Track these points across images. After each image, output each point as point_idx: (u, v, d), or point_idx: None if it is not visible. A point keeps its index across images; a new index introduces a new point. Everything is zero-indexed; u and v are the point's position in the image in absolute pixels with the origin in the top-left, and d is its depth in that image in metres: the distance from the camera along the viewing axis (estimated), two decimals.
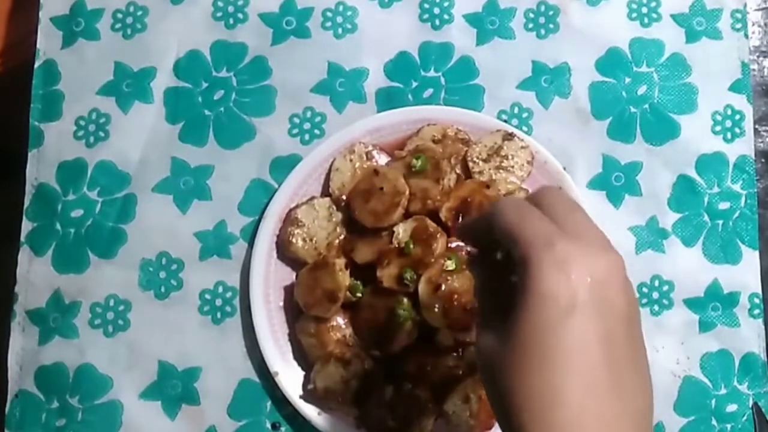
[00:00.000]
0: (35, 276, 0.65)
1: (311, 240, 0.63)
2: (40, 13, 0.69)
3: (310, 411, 0.61)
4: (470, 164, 0.63)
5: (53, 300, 0.65)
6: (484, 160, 0.63)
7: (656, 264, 0.65)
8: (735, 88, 0.67)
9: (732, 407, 0.63)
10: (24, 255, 0.66)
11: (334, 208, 0.63)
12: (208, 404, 0.64)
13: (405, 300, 0.59)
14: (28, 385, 0.64)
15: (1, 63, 0.73)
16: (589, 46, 0.68)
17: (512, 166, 0.63)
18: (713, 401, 0.63)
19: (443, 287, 0.58)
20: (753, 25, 0.69)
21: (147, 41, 0.68)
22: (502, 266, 0.41)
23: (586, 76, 0.67)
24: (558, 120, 0.66)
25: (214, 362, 0.64)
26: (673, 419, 0.62)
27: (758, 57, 0.69)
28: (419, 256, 0.59)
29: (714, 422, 0.62)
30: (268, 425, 0.64)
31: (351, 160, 0.64)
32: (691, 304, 0.64)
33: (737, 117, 0.66)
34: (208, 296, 0.65)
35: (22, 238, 0.66)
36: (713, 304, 0.64)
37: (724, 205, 0.65)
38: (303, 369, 0.63)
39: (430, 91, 0.67)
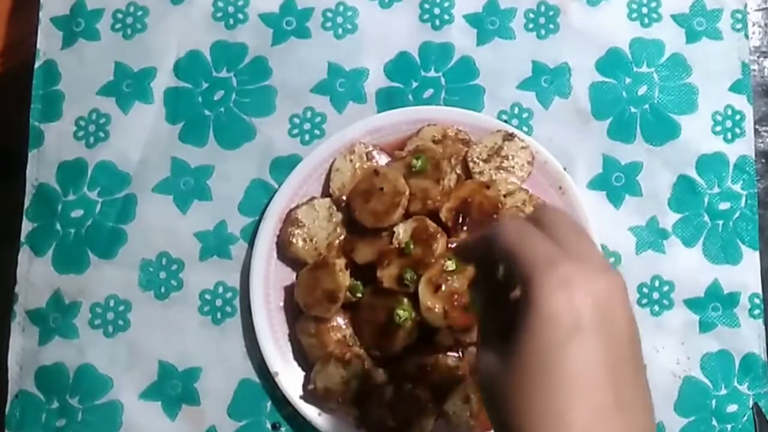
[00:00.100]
0: (35, 276, 0.65)
1: (311, 240, 0.63)
2: (40, 14, 0.69)
3: (310, 411, 0.61)
4: (470, 164, 0.63)
5: (53, 300, 0.65)
6: (485, 161, 0.63)
7: (656, 264, 0.64)
8: (735, 88, 0.67)
9: (732, 407, 0.63)
10: (24, 255, 0.66)
11: (335, 208, 0.63)
12: (208, 404, 0.64)
13: (405, 300, 0.59)
14: (28, 386, 0.64)
15: (1, 63, 0.73)
16: (589, 46, 0.68)
17: (512, 167, 0.63)
18: (713, 401, 0.63)
19: (443, 287, 0.58)
20: (753, 25, 0.69)
21: (147, 41, 0.68)
22: (503, 286, 0.41)
23: (586, 76, 0.67)
24: (558, 120, 0.66)
25: (214, 362, 0.64)
26: (674, 419, 0.62)
27: (758, 57, 0.69)
28: (419, 257, 0.59)
29: (714, 422, 0.62)
30: (268, 425, 0.64)
31: (351, 161, 0.64)
32: (692, 304, 0.64)
33: (737, 117, 0.66)
34: (208, 296, 0.65)
35: (22, 238, 0.66)
36: (713, 305, 0.64)
37: (724, 206, 0.65)
38: (303, 369, 0.63)
39: (431, 91, 0.67)
